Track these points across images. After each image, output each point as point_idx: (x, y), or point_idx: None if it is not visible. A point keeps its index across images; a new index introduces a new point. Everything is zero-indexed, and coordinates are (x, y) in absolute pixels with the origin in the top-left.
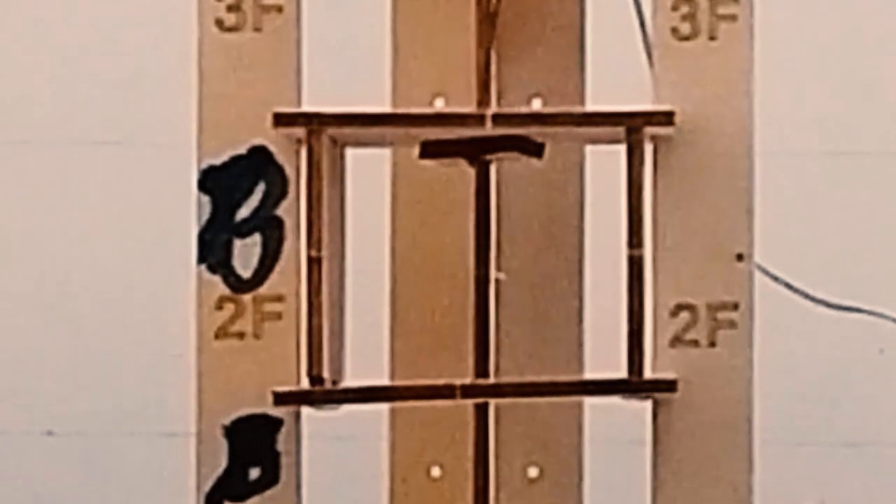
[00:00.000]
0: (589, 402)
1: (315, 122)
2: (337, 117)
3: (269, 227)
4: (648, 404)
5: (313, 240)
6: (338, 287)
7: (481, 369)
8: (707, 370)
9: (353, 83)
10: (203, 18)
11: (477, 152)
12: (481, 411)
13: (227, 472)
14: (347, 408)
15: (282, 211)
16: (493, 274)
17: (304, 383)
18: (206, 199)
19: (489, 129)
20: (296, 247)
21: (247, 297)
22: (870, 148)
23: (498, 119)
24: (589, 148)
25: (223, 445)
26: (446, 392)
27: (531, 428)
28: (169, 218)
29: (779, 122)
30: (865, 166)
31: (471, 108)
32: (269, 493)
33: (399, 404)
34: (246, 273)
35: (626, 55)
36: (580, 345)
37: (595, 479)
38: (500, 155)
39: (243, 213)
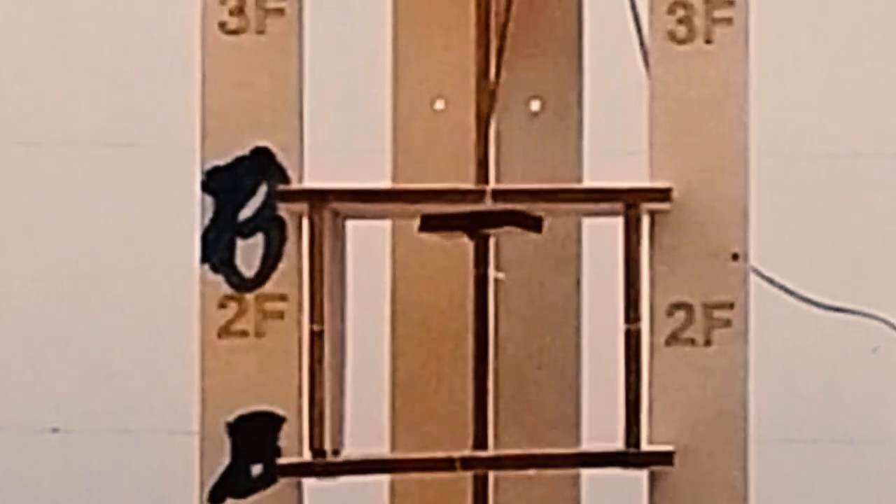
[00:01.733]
0: (587, 471)
1: (317, 198)
2: (338, 193)
3: (272, 227)
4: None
5: (315, 314)
6: (339, 357)
7: (480, 440)
8: (703, 375)
9: (355, 85)
10: (206, 22)
11: (476, 226)
12: (480, 482)
13: (229, 468)
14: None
15: (284, 211)
16: (490, 339)
17: (305, 382)
18: (209, 199)
19: (488, 205)
20: (298, 247)
21: (249, 297)
22: (864, 149)
23: (497, 195)
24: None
25: (226, 442)
26: (446, 464)
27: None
28: (173, 218)
29: (773, 124)
30: (859, 168)
31: (470, 185)
32: (270, 490)
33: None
34: (249, 272)
35: (623, 58)
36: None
37: None
38: (499, 231)
39: (246, 213)
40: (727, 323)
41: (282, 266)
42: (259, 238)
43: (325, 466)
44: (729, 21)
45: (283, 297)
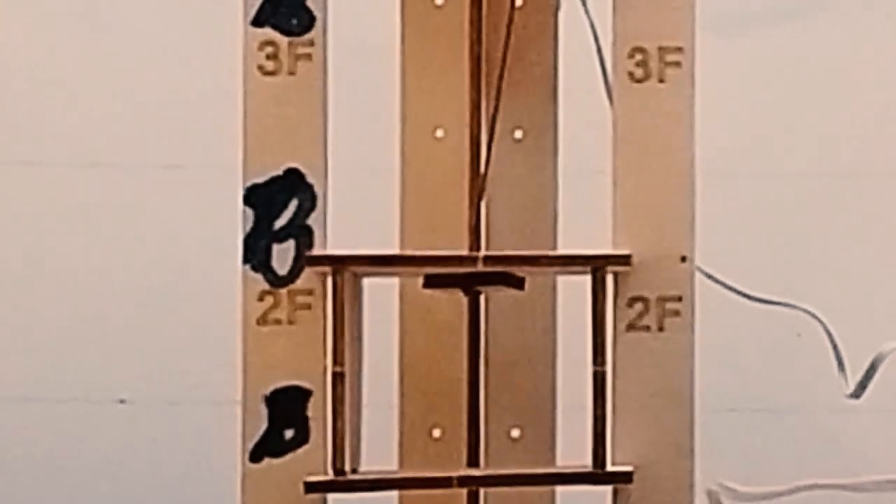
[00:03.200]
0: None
1: (339, 262)
2: (357, 259)
3: (301, 235)
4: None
5: (338, 358)
6: (356, 391)
7: (473, 461)
8: (657, 357)
9: (370, 116)
10: (248, 64)
11: (470, 285)
12: (473, 496)
13: (266, 433)
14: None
15: (311, 221)
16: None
17: (329, 359)
18: (250, 211)
19: (480, 268)
20: (323, 251)
21: (283, 291)
22: (793, 170)
23: (488, 259)
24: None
25: (263, 412)
26: (446, 482)
27: None
28: (221, 227)
29: (715, 147)
30: (789, 187)
31: (465, 251)
32: (301, 450)
33: (406, 492)
34: (282, 271)
35: (591, 94)
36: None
37: None
38: (489, 288)
39: (280, 222)
40: (677, 313)
41: (307, 268)
42: (291, 243)
43: (345, 484)
44: (678, 64)
45: (310, 292)
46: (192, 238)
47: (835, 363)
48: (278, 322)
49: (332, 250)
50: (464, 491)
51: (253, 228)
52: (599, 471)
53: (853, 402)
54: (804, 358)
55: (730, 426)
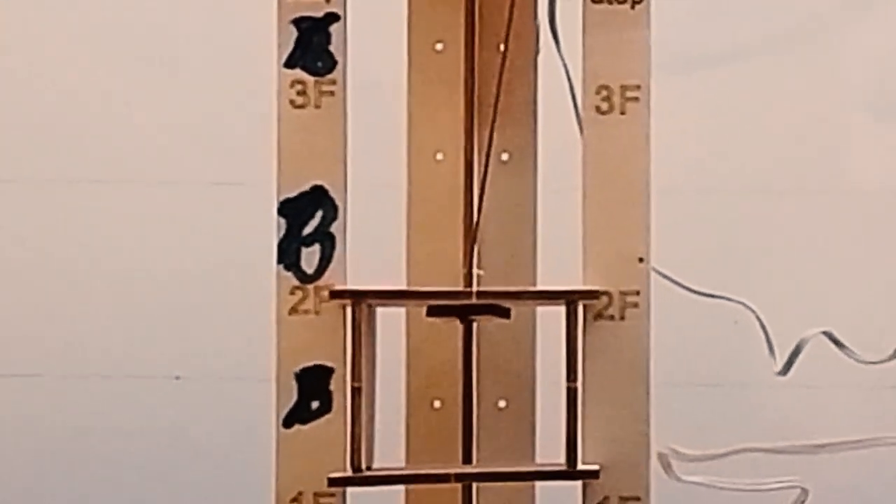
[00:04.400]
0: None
1: (358, 296)
2: (373, 293)
3: (325, 240)
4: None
5: (356, 375)
6: (371, 402)
7: (468, 459)
8: (618, 340)
9: (382, 141)
10: (281, 99)
11: (465, 314)
12: (467, 489)
13: (296, 404)
14: None
15: (333, 229)
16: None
17: (349, 349)
18: (282, 221)
19: (474, 301)
20: (343, 256)
21: (310, 287)
22: (731, 188)
23: (480, 294)
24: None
25: (294, 387)
26: (445, 477)
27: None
28: (260, 234)
29: (667, 168)
30: (728, 202)
31: (460, 287)
32: (324, 418)
33: (412, 486)
34: (310, 270)
35: (564, 124)
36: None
37: None
38: (481, 317)
39: (307, 230)
40: (635, 304)
41: (331, 267)
42: (316, 247)
43: (361, 479)
44: (637, 99)
45: (333, 287)
46: (237, 242)
47: (766, 346)
48: (306, 312)
49: (351, 286)
50: (459, 485)
51: (285, 235)
52: (572, 469)
53: (780, 378)
54: (740, 342)
55: (677, 399)
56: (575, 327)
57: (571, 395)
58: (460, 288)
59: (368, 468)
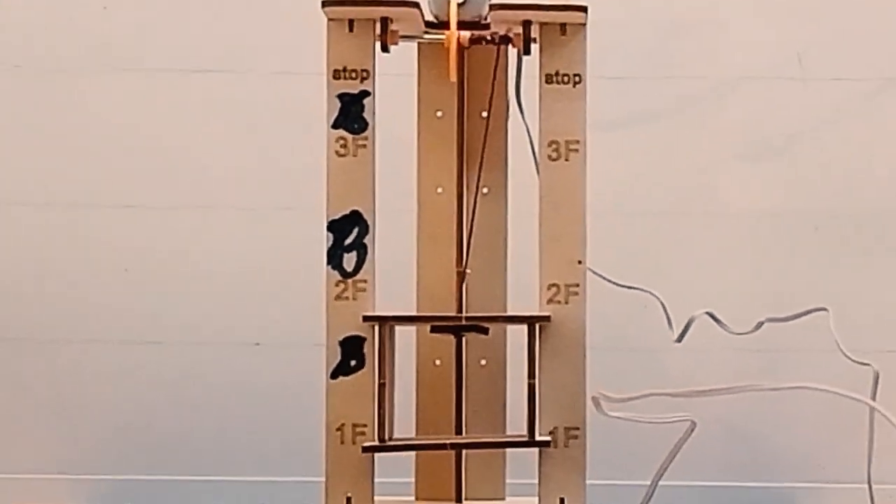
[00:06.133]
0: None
1: (382, 320)
2: (394, 318)
3: (360, 249)
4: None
5: (382, 374)
6: (392, 393)
7: (458, 431)
8: (565, 316)
9: (399, 177)
10: (329, 150)
11: (458, 331)
12: (458, 454)
13: (340, 362)
14: None
15: (366, 241)
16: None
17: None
18: (330, 235)
19: (463, 322)
20: (372, 259)
21: (349, 281)
22: (644, 211)
23: (468, 318)
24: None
25: (338, 350)
26: (442, 445)
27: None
28: (315, 244)
29: (597, 196)
30: (643, 221)
31: (453, 312)
32: (359, 372)
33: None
34: (349, 269)
35: (526, 168)
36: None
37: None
38: (468, 334)
39: (347, 241)
40: (576, 293)
41: (364, 267)
42: (354, 253)
43: (386, 447)
44: (577, 150)
45: (365, 281)
46: (300, 249)
47: (666, 322)
48: (346, 299)
49: (378, 312)
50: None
51: (332, 245)
52: (531, 440)
53: (677, 345)
54: (648, 319)
55: (604, 359)
56: (534, 340)
57: (531, 388)
58: (453, 314)
59: (391, 439)
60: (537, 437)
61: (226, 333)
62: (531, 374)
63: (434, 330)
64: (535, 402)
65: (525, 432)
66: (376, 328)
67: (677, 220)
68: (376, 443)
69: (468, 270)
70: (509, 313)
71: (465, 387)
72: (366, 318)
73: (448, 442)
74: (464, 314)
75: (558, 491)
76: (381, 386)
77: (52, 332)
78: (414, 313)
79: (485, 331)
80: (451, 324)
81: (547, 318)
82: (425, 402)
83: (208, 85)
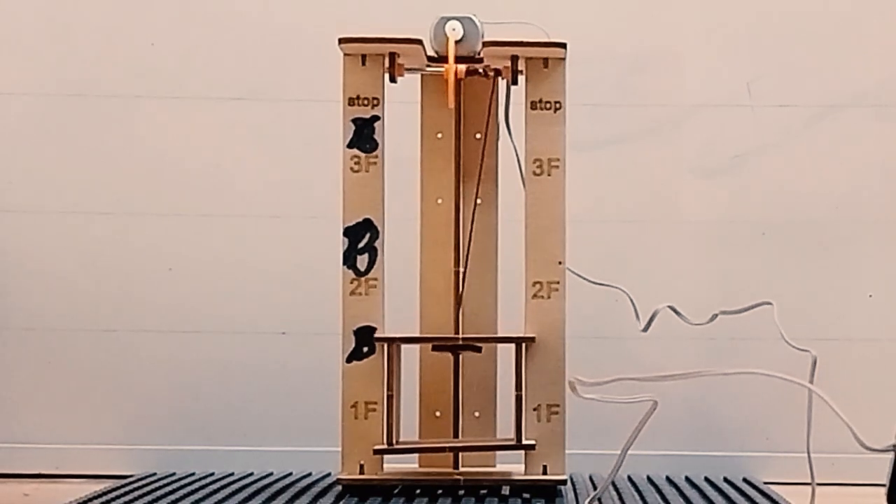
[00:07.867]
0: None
1: (391, 341)
2: (401, 339)
3: (371, 251)
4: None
5: (390, 385)
6: (398, 404)
7: (455, 431)
8: (547, 310)
9: (404, 191)
10: (345, 166)
11: (455, 350)
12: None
13: (355, 348)
14: None
15: (376, 244)
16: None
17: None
18: (346, 239)
19: (460, 342)
20: (382, 260)
21: (362, 279)
22: (616, 218)
23: (464, 339)
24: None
25: (353, 338)
26: (442, 448)
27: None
28: (333, 247)
29: (575, 206)
30: (613, 228)
31: (450, 324)
32: (370, 357)
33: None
34: (362, 269)
35: (514, 182)
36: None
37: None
38: (464, 352)
39: (361, 245)
40: (556, 289)
41: (375, 267)
42: (366, 255)
43: (394, 449)
44: (558, 167)
45: (375, 279)
46: (320, 251)
47: (634, 314)
48: (360, 294)
49: (388, 333)
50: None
51: (347, 248)
52: (518, 443)
53: (643, 334)
54: (619, 312)
55: (580, 346)
56: (520, 360)
57: (518, 399)
58: (451, 335)
59: (398, 442)
60: (523, 441)
61: (256, 324)
62: (518, 387)
63: (436, 349)
64: (521, 412)
65: (513, 432)
66: (385, 346)
67: (644, 227)
68: (385, 446)
69: (463, 269)
70: (500, 335)
71: (462, 392)
72: (377, 340)
73: (447, 445)
74: (461, 335)
75: (542, 459)
76: (390, 398)
77: (108, 323)
78: (418, 335)
79: (478, 349)
80: (449, 343)
81: (532, 339)
82: (427, 400)
83: (241, 110)
